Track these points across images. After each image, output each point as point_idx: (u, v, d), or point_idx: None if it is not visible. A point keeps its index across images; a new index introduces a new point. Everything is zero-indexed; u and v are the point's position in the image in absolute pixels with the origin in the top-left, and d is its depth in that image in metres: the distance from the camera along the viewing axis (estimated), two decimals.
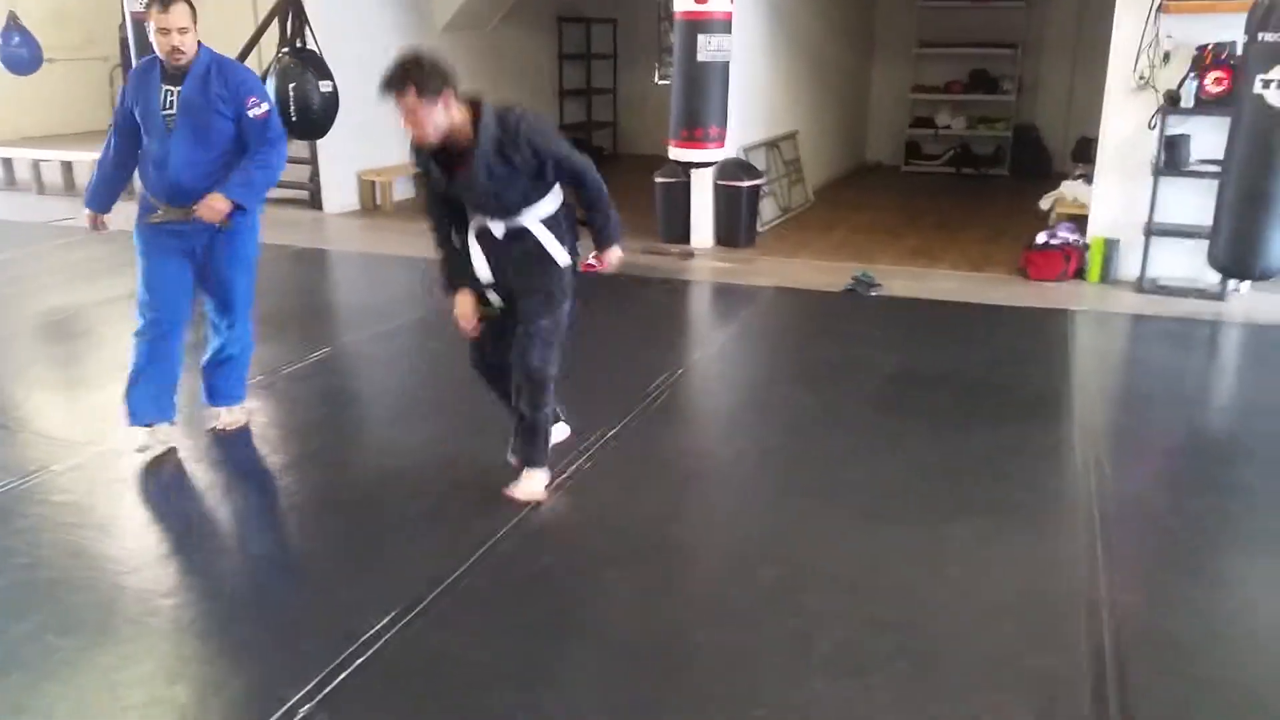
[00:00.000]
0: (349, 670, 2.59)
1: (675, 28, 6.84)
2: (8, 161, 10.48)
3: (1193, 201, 6.00)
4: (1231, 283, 5.97)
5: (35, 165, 10.16)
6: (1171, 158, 6.12)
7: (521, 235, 3.32)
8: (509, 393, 3.46)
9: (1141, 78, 6.16)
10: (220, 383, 4.10)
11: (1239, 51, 5.53)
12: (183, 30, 3.58)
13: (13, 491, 3.59)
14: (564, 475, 3.68)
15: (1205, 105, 5.92)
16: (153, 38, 3.59)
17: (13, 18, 8.74)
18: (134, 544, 3.32)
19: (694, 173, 7.38)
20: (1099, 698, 2.51)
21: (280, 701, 2.46)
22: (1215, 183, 5.09)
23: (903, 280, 6.55)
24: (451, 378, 4.34)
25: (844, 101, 11.11)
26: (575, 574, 3.14)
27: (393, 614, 2.81)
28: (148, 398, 3.88)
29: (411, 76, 2.94)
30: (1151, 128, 6.12)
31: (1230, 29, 5.65)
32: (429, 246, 3.48)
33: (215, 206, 3.67)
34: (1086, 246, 6.51)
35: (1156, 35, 6.08)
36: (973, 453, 3.99)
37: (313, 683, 2.53)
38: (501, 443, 3.60)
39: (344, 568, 3.16)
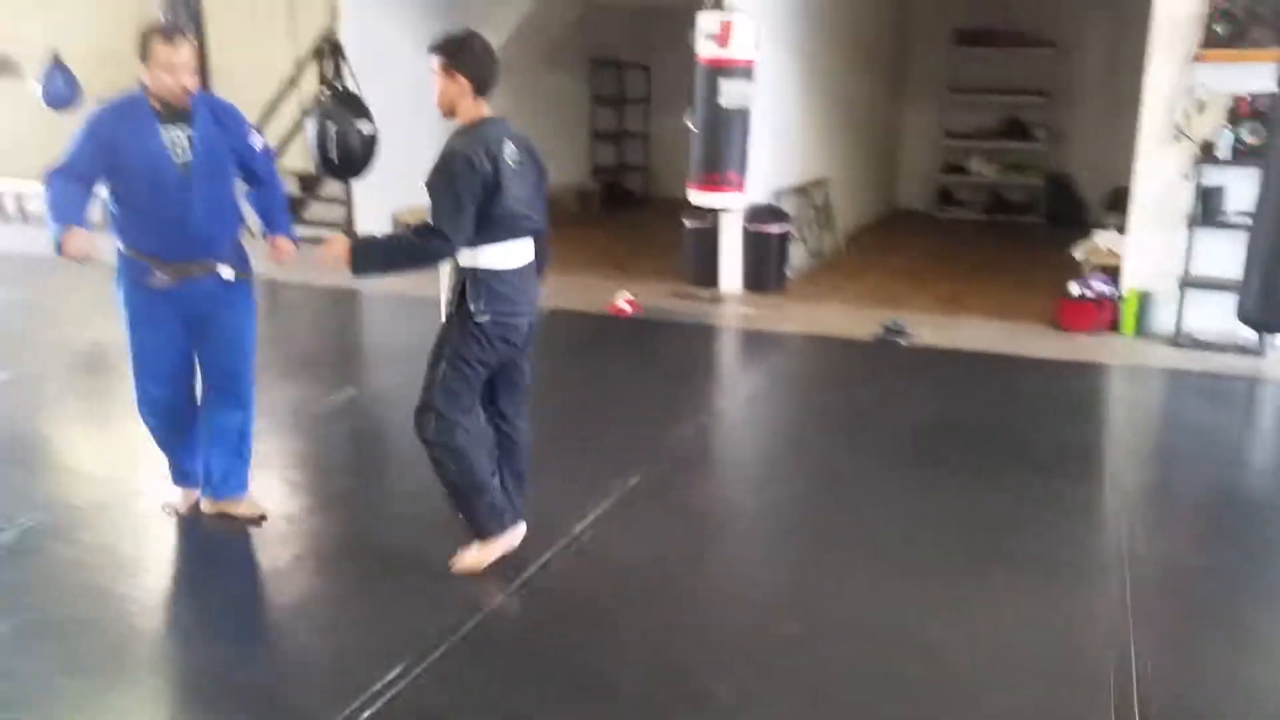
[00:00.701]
0: None
1: (697, 73, 6.89)
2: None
3: (1229, 254, 5.88)
4: (1270, 338, 5.86)
5: None
6: (1207, 209, 6.05)
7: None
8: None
9: (1176, 127, 6.11)
10: (224, 465, 3.58)
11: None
12: (191, 70, 3.22)
13: (36, 528, 3.60)
14: (585, 522, 3.65)
15: (1242, 156, 5.86)
16: (151, 75, 3.18)
17: (56, 57, 8.99)
18: (152, 583, 3.32)
19: (722, 217, 7.40)
20: None
21: None
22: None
23: (933, 328, 6.49)
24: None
25: (875, 147, 11.12)
26: (591, 625, 3.09)
27: (401, 666, 2.76)
28: (181, 469, 3.68)
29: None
30: (1188, 179, 6.05)
31: (1265, 77, 5.59)
32: None
33: (286, 249, 3.43)
34: (1121, 298, 6.44)
35: (1190, 85, 6.05)
36: (1002, 506, 3.91)
37: None
38: (531, 492, 3.54)
39: (358, 615, 3.13)
